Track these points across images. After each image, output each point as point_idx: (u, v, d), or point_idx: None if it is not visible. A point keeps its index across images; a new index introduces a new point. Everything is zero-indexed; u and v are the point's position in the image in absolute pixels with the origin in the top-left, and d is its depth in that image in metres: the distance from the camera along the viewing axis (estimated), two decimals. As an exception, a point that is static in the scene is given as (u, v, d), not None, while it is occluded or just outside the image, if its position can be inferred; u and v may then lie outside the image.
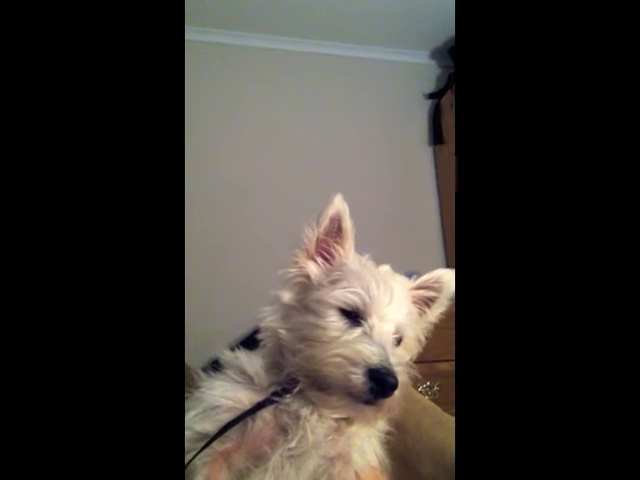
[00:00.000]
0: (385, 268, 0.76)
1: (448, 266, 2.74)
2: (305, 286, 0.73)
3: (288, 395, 0.65)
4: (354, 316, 0.68)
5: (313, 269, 0.73)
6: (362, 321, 0.67)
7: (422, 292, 0.78)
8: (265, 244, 2.28)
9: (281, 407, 0.65)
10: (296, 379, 0.66)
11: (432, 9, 2.39)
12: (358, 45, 2.69)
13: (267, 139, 2.50)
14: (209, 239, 2.20)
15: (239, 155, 2.43)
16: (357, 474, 0.63)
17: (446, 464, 0.74)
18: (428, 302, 0.79)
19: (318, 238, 0.75)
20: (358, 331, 0.66)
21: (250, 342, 0.75)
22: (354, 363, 0.61)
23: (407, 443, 0.78)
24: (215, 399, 0.66)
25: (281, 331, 0.69)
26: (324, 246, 0.75)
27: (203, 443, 0.61)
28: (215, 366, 0.72)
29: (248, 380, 0.68)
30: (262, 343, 0.73)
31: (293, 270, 0.75)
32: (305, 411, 0.64)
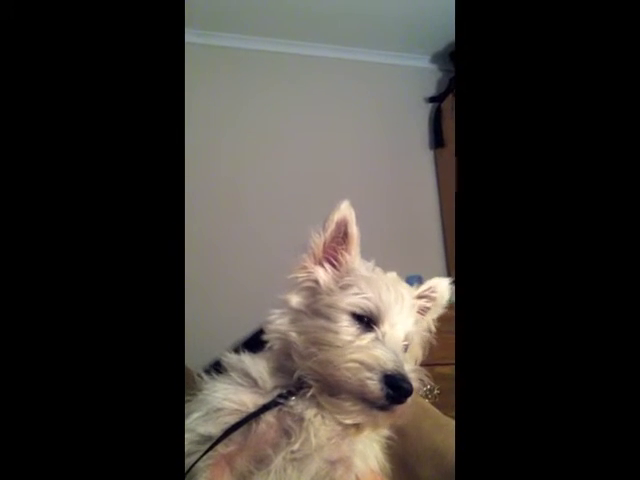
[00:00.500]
0: (392, 275, 0.76)
1: (449, 270, 2.75)
2: (314, 291, 0.73)
3: (293, 398, 0.65)
4: (366, 322, 0.68)
5: (321, 274, 0.74)
6: (374, 327, 0.67)
7: (422, 302, 0.79)
8: (265, 246, 2.29)
9: (285, 410, 0.65)
10: (305, 383, 0.66)
11: (433, 13, 2.39)
12: (359, 48, 2.70)
13: (267, 142, 2.50)
14: (209, 242, 2.21)
15: (239, 158, 2.44)
16: (358, 478, 0.64)
17: (445, 467, 0.74)
18: (427, 310, 0.80)
19: (324, 243, 0.76)
20: (370, 336, 0.66)
21: (253, 343, 0.76)
22: (370, 368, 0.62)
23: (407, 446, 0.78)
24: (218, 402, 0.66)
25: (291, 334, 0.69)
26: (330, 252, 0.76)
27: (206, 445, 0.61)
28: (217, 368, 0.72)
29: (252, 383, 0.68)
30: (268, 345, 0.73)
31: (302, 275, 0.75)
32: (309, 414, 0.64)
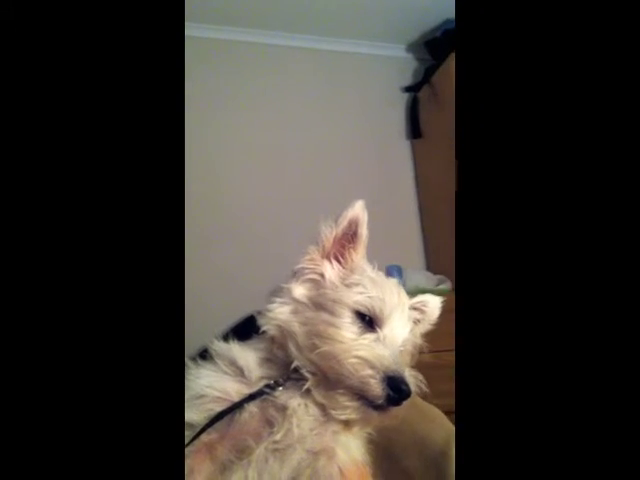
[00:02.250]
0: (393, 280, 0.77)
1: (427, 260, 2.77)
2: (318, 284, 0.73)
3: (280, 388, 0.65)
4: (367, 321, 0.68)
5: (328, 269, 0.74)
6: (376, 328, 0.68)
7: (414, 313, 0.80)
8: (248, 233, 2.30)
9: (268, 400, 0.64)
10: (294, 374, 0.66)
11: (408, 2, 2.39)
12: (334, 38, 2.68)
13: (245, 132, 2.49)
14: (199, 231, 2.19)
15: (222, 149, 2.42)
16: (341, 470, 0.63)
17: (429, 456, 0.75)
18: (416, 322, 0.80)
19: (335, 238, 0.76)
20: (372, 337, 0.67)
21: (241, 331, 0.75)
22: (373, 367, 0.62)
23: (392, 437, 0.78)
24: (201, 388, 0.65)
25: (294, 324, 0.69)
26: (339, 248, 0.76)
27: (187, 432, 0.60)
28: (204, 355, 0.71)
29: (237, 372, 0.68)
30: (262, 332, 0.72)
31: (308, 267, 0.75)
32: (292, 404, 0.64)
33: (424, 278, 2.30)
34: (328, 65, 2.71)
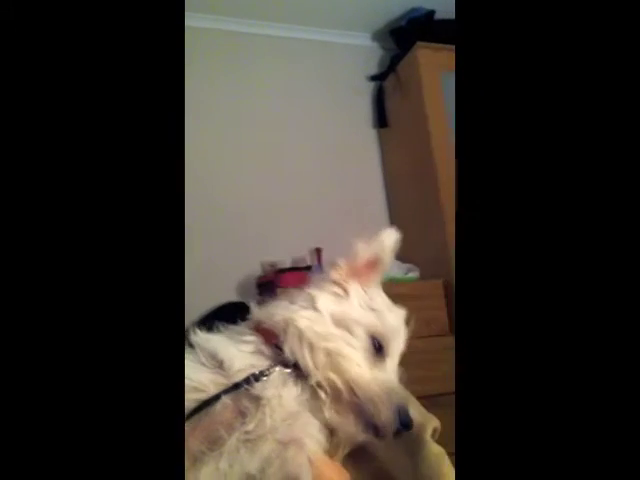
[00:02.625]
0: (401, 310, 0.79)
1: (396, 248, 2.78)
2: (341, 301, 0.74)
3: (264, 378, 0.64)
4: (377, 347, 0.70)
5: (354, 288, 0.75)
6: (385, 356, 0.70)
7: None
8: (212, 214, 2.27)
9: (242, 391, 0.64)
10: (279, 364, 0.67)
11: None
12: (300, 26, 2.67)
13: (211, 119, 2.46)
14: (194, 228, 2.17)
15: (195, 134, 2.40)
16: (310, 459, 0.63)
17: (403, 440, 0.75)
18: None
19: (368, 260, 0.76)
20: (383, 364, 0.69)
21: (215, 318, 0.74)
22: (388, 399, 0.64)
23: None
24: None
25: (313, 335, 0.69)
26: (365, 269, 0.77)
27: None
28: None
29: (215, 365, 0.67)
30: (266, 328, 0.72)
31: (337, 281, 0.75)
32: (267, 394, 0.63)
33: (393, 267, 2.33)
34: (294, 53, 2.68)
